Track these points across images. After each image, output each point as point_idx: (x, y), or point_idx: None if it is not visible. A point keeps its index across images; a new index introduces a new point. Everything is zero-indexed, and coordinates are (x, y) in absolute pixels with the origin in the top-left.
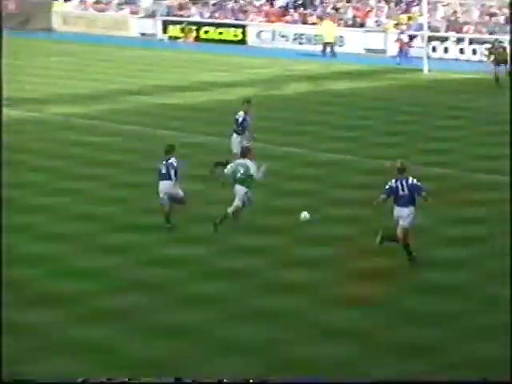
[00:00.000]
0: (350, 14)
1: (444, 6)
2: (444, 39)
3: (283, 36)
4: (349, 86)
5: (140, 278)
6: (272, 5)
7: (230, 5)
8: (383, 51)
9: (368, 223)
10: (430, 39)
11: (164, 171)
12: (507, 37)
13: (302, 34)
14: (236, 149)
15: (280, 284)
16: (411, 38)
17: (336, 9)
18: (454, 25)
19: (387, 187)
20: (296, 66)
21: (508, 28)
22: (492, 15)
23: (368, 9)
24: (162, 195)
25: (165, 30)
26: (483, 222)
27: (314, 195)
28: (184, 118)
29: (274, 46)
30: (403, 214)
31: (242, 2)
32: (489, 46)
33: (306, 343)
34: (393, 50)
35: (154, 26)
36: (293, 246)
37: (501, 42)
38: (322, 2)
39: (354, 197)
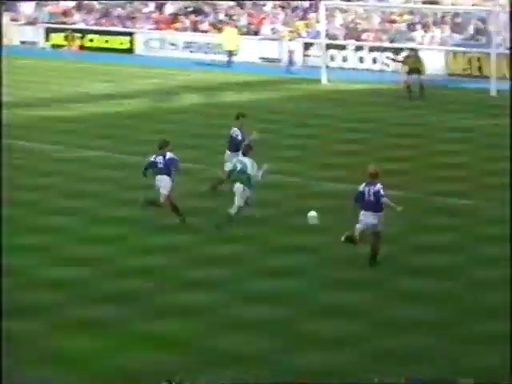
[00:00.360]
0: (243, 21)
1: (343, 12)
2: (343, 47)
3: (173, 44)
4: (244, 97)
5: (23, 301)
6: (161, 12)
7: (117, 12)
8: (279, 60)
9: (265, 241)
10: (328, 47)
11: (162, 166)
12: (409, 44)
13: (193, 42)
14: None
15: (169, 307)
16: (307, 45)
17: (229, 16)
18: (353, 32)
19: (357, 192)
20: (187, 75)
21: (410, 35)
22: (393, 22)
23: (263, 16)
24: (162, 191)
25: (47, 38)
26: (390, 241)
27: (212, 213)
28: (69, 131)
29: (163, 55)
30: (368, 220)
31: (129, 8)
32: (390, 54)
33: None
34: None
35: (35, 34)
36: (186, 266)
37: (414, 49)
38: (214, 9)
39: (252, 214)
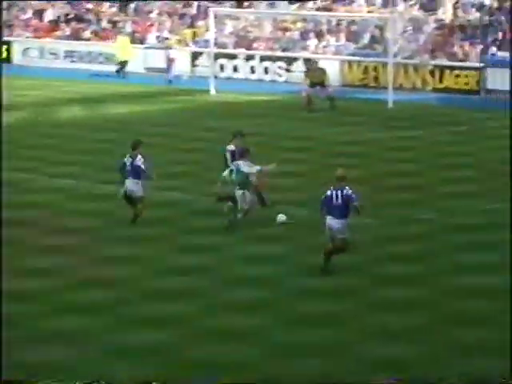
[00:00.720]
0: (128, 28)
1: (233, 20)
2: (233, 57)
3: (53, 53)
4: (128, 109)
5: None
6: (41, 19)
7: None
8: (166, 70)
9: (153, 262)
10: (218, 57)
11: (129, 168)
12: (303, 54)
13: (74, 51)
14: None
15: (52, 331)
16: (196, 55)
17: (113, 23)
18: (243, 41)
19: (323, 197)
20: (68, 87)
21: (303, 44)
22: (285, 30)
23: (149, 23)
24: (128, 192)
25: None
26: (280, 262)
27: (93, 232)
28: None
29: (42, 65)
30: (334, 226)
31: (6, 15)
32: (283, 63)
33: None
34: (176, 68)
35: None
36: (67, 289)
37: (315, 61)
38: (96, 16)
39: (143, 233)
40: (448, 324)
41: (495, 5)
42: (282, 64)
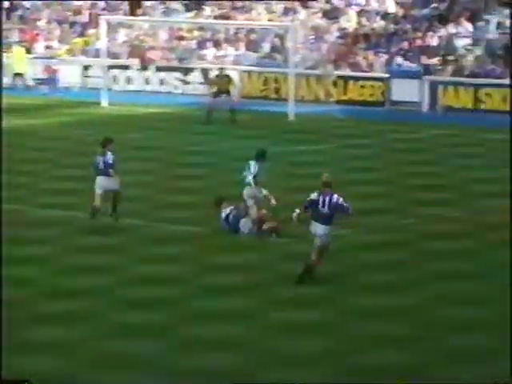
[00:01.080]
0: (15, 37)
1: (126, 28)
2: (126, 67)
3: None
4: (14, 123)
5: None
6: None
7: None
8: (47, 82)
9: (40, 284)
10: (111, 67)
11: (102, 167)
12: (201, 64)
13: None
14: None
15: None
16: (87, 65)
17: None
18: (137, 50)
19: (308, 199)
20: None
21: (200, 53)
22: (181, 39)
23: (36, 31)
24: (98, 191)
25: None
26: (178, 281)
27: None
28: None
29: None
30: (319, 232)
31: None
32: (179, 74)
33: None
34: (66, 79)
35: None
36: None
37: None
38: None
39: (28, 253)
40: (355, 347)
41: (400, 13)
42: (179, 75)
